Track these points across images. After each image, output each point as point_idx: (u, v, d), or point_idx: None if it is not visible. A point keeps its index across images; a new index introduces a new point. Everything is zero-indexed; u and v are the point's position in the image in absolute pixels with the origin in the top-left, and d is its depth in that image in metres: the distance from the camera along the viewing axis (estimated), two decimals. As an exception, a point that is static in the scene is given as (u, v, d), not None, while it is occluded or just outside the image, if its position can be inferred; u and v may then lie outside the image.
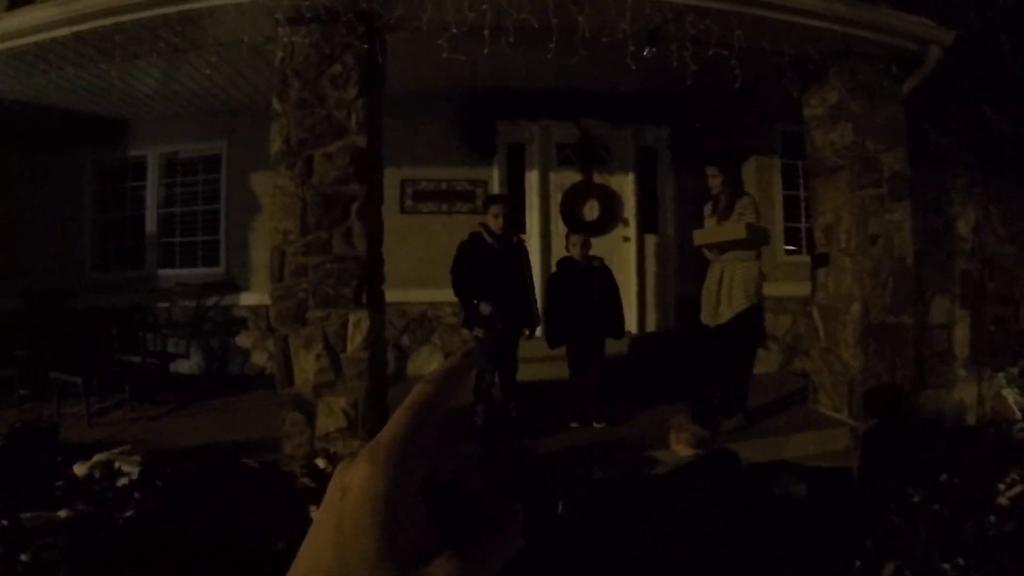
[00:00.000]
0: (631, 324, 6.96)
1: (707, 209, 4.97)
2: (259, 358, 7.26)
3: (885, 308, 4.81)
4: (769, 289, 6.69)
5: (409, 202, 7.03)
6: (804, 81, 5.23)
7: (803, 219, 6.86)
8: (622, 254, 7.03)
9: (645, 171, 7.15)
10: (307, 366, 4.27)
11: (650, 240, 7.08)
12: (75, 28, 4.56)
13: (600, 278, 4.98)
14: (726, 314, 4.67)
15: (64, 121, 6.97)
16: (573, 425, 4.94)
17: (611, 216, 6.99)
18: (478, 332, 4.74)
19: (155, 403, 5.90)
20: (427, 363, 6.81)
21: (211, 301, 7.37)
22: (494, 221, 4.78)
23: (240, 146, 7.39)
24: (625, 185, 7.06)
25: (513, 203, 6.84)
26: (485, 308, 4.66)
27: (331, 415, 4.25)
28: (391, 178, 6.96)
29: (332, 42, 4.57)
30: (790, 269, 6.70)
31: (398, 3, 4.45)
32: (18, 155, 7.12)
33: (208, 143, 7.51)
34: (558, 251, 6.92)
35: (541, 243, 6.92)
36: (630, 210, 7.05)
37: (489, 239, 4.77)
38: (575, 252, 5.05)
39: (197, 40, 4.94)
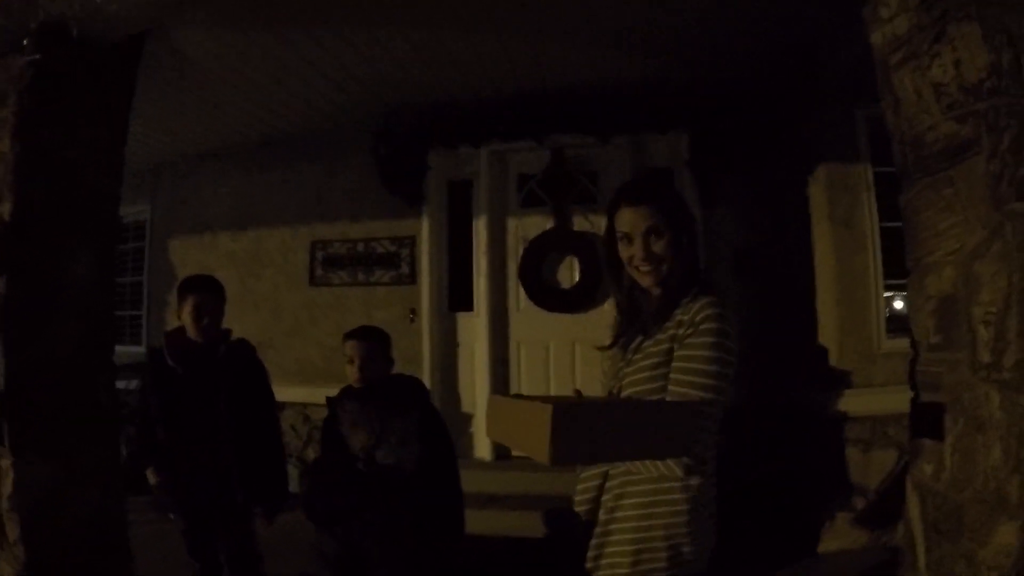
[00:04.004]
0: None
1: (617, 318, 1.87)
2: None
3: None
4: (853, 403, 3.91)
5: (320, 271, 5.09)
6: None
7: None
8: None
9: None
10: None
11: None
12: None
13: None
14: None
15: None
16: None
17: (599, 279, 4.51)
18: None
19: None
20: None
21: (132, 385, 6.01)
22: (191, 321, 2.68)
23: (163, 210, 6.06)
24: (623, 229, 4.56)
25: (456, 265, 4.76)
26: (151, 477, 2.65)
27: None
28: (300, 241, 5.22)
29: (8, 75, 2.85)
30: (895, 365, 3.81)
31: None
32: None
33: (132, 207, 6.20)
34: (520, 334, 4.63)
35: (490, 326, 4.60)
36: (632, 268, 4.52)
37: (170, 359, 2.67)
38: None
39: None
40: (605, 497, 1.70)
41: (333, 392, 2.66)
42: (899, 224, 4.02)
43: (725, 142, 4.40)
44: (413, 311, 4.74)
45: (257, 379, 2.85)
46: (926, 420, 2.01)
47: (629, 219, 1.69)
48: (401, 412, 2.53)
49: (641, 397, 1.62)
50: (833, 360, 4.00)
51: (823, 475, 3.82)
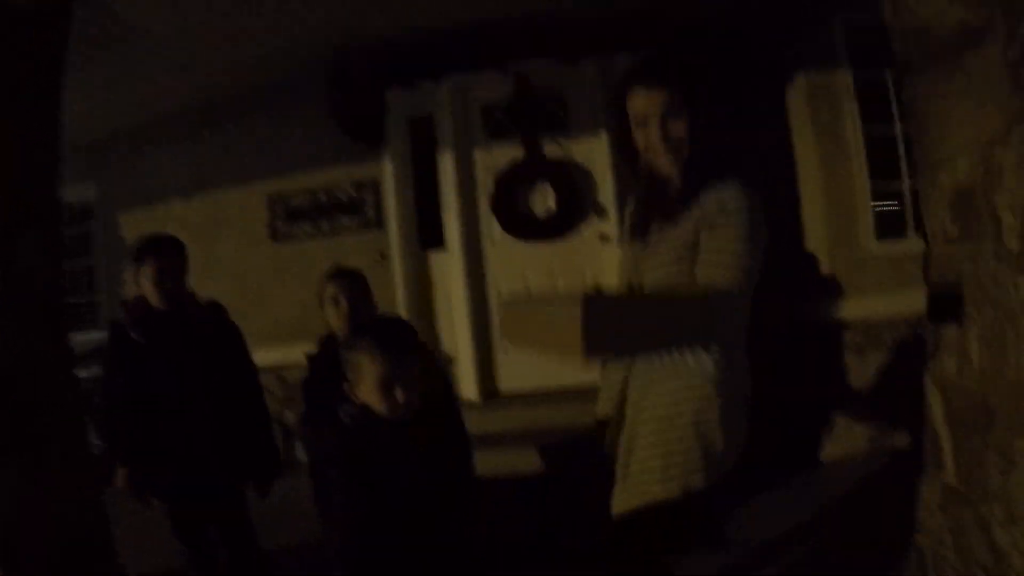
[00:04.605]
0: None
1: (628, 207, 1.82)
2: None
3: None
4: (847, 309, 3.84)
5: (281, 225, 4.83)
6: None
7: (905, 175, 3.82)
8: (603, 265, 4.33)
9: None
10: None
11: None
12: None
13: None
14: (620, 501, 1.61)
15: None
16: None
17: (576, 205, 4.34)
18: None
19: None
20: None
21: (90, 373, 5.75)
22: (152, 287, 2.42)
23: (110, 187, 5.68)
24: (596, 153, 4.33)
25: (424, 203, 4.56)
26: (120, 478, 2.43)
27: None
28: (258, 197, 4.95)
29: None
30: (885, 268, 3.74)
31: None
32: None
33: (74, 188, 5.81)
34: (498, 272, 4.48)
35: (465, 263, 4.41)
36: (608, 192, 4.34)
37: (134, 332, 2.43)
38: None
39: None
40: (630, 391, 1.60)
41: (309, 348, 2.48)
42: (885, 128, 3.91)
43: (698, 57, 4.19)
44: (382, 253, 4.53)
45: (232, 344, 2.64)
46: (945, 305, 1.92)
47: (643, 102, 1.54)
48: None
49: (664, 285, 1.55)
50: (824, 268, 3.92)
51: (822, 382, 3.78)
